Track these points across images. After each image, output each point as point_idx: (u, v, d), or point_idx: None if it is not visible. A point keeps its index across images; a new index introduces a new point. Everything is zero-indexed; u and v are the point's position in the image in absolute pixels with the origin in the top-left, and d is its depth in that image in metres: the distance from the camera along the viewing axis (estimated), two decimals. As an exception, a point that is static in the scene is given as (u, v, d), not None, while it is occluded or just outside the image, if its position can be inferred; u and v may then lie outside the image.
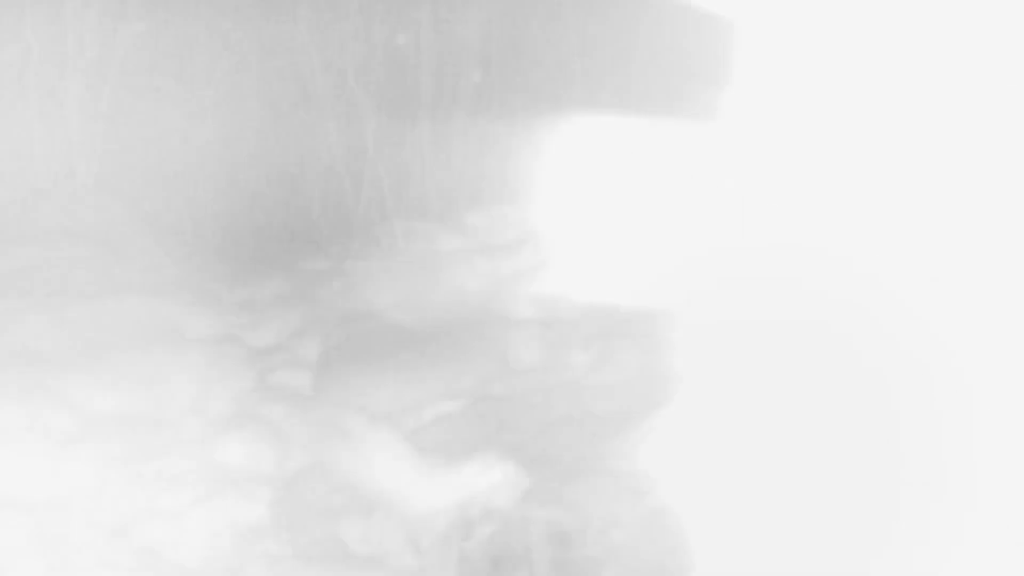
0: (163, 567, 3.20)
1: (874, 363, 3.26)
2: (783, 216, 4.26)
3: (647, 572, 2.72)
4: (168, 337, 4.27)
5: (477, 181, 6.23)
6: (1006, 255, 3.67)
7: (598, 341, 3.74)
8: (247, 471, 3.62)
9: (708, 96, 5.15)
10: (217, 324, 4.48)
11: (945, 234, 3.84)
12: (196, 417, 3.89)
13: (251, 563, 3.16)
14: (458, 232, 4.87)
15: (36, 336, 4.11)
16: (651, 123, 5.32)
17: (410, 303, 4.18)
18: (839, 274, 3.70)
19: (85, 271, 4.82)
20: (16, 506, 3.32)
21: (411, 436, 3.24)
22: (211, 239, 6.20)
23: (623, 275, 4.10)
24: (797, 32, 4.80)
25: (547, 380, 3.65)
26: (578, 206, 4.53)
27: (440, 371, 3.71)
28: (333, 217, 6.09)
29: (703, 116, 5.12)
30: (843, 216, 4.07)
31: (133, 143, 6.50)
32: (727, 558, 2.85)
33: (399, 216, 5.11)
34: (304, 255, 5.48)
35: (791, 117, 4.71)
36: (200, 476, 3.52)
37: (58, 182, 5.73)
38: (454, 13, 5.88)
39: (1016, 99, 4.14)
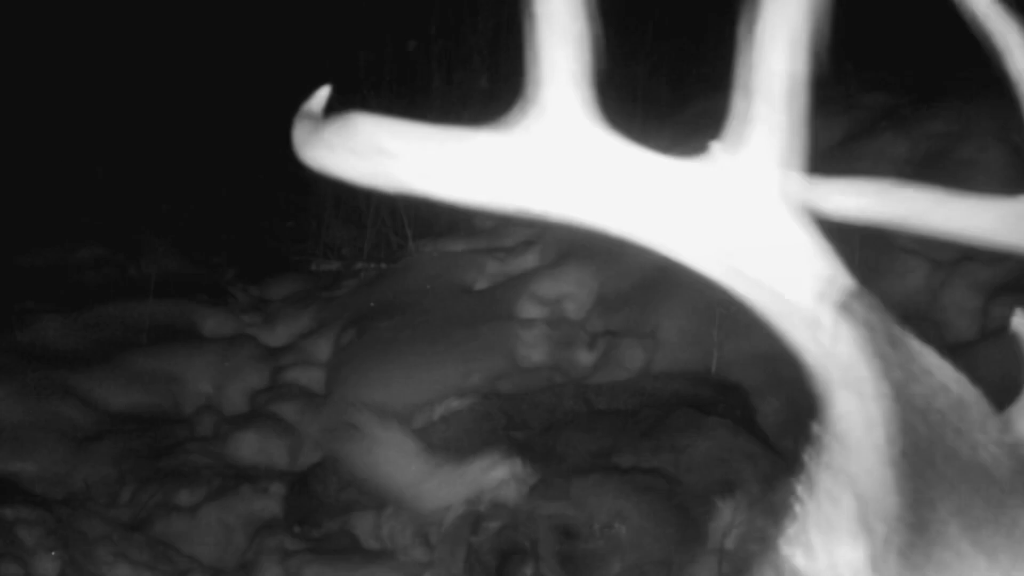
0: (179, 560, 3.23)
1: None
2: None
3: (651, 565, 2.73)
4: (184, 336, 4.30)
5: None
6: None
7: (603, 340, 3.75)
8: (261, 467, 3.65)
9: (714, 102, 5.16)
10: (232, 324, 4.51)
11: None
12: (211, 414, 3.93)
13: (265, 556, 3.20)
14: (467, 234, 4.88)
15: (55, 335, 4.15)
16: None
17: (420, 304, 4.19)
18: None
19: (103, 272, 4.86)
20: (36, 501, 3.36)
21: (421, 433, 3.25)
22: (226, 241, 6.24)
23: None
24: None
25: (554, 378, 3.67)
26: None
27: (449, 370, 3.72)
28: (345, 220, 6.11)
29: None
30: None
31: (151, 145, 6.55)
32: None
33: (409, 219, 5.12)
34: (316, 257, 5.49)
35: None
36: (215, 472, 3.56)
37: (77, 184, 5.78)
38: (463, 20, 5.90)
39: None
